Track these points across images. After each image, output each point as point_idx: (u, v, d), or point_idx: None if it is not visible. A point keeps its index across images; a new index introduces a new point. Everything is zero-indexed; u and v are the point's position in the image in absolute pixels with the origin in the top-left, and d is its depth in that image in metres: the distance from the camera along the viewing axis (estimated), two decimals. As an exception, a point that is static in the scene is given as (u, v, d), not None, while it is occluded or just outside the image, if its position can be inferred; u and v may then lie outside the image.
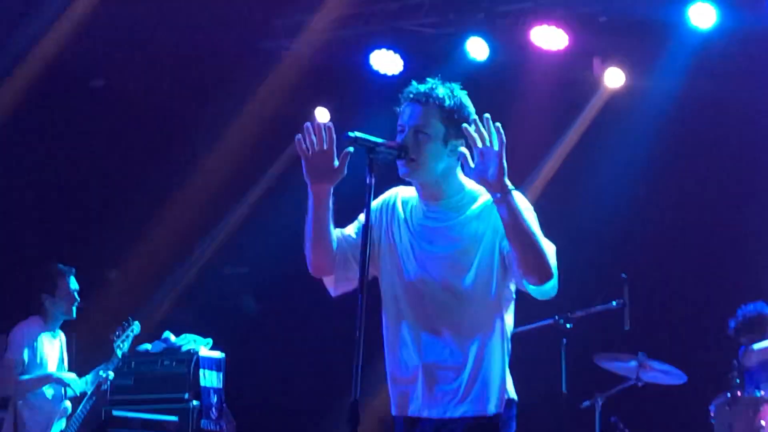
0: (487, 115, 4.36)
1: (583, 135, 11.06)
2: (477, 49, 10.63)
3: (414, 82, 4.67)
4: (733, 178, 10.76)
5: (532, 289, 4.49)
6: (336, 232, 4.69)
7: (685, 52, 10.26)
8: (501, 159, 4.30)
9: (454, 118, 4.58)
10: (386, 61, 11.07)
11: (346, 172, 4.53)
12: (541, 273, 4.39)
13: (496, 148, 4.31)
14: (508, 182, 4.34)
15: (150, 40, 10.73)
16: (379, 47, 11.08)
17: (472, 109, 4.65)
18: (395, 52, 11.05)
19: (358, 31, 11.19)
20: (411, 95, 4.63)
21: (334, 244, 4.67)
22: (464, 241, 4.56)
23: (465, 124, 4.40)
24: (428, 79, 4.67)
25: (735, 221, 10.73)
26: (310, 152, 4.48)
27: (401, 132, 4.59)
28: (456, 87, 4.67)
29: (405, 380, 4.59)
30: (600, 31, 10.54)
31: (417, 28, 11.02)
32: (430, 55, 10.71)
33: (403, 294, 4.61)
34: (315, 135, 4.48)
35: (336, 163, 4.48)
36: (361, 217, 4.66)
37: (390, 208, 4.74)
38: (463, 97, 4.65)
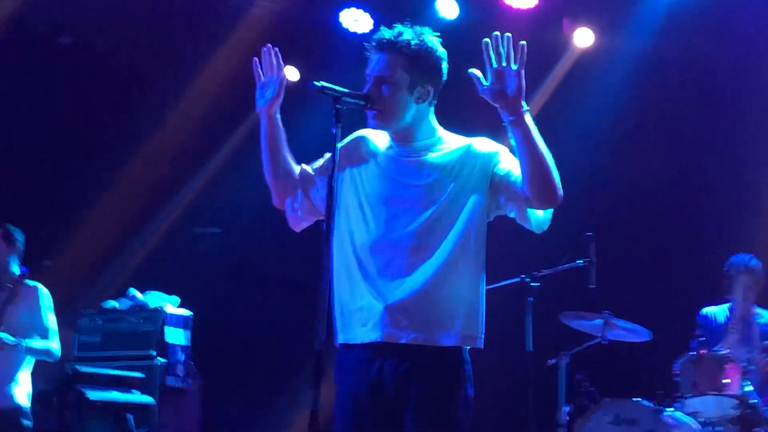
0: (507, 34, 4.35)
1: (553, 94, 11.05)
2: (447, 7, 10.60)
3: (382, 28, 4.65)
4: (702, 137, 10.79)
5: (534, 218, 4.50)
6: (296, 167, 4.74)
7: (654, 10, 10.27)
8: (521, 78, 4.31)
9: (420, 64, 4.57)
10: (356, 19, 11.03)
11: (285, 77, 4.69)
12: (552, 195, 4.41)
13: (514, 67, 4.32)
14: (524, 102, 4.34)
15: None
16: (348, 5, 11.03)
17: (443, 52, 4.63)
18: (365, 10, 11.01)
19: (328, -11, 11.14)
20: (376, 43, 4.61)
21: (293, 171, 4.72)
22: (434, 175, 4.55)
23: (486, 39, 4.36)
24: (396, 24, 4.64)
25: (702, 179, 10.78)
26: (265, 70, 4.67)
27: (367, 81, 4.59)
28: (426, 31, 4.64)
29: (362, 309, 4.51)
30: (570, -9, 10.55)
31: (386, -15, 10.97)
32: (399, 13, 10.55)
33: (365, 226, 4.57)
34: (265, 61, 4.66)
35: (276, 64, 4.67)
36: (327, 154, 4.67)
37: (357, 145, 4.73)
38: (432, 41, 4.62)
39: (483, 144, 4.63)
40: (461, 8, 10.60)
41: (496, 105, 4.38)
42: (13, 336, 8.09)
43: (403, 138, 4.64)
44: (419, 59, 4.57)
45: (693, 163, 10.82)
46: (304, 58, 11.62)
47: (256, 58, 4.66)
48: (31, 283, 8.51)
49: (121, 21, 11.02)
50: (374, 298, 4.47)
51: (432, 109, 4.67)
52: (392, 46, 4.57)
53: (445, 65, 4.65)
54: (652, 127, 10.94)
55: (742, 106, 10.61)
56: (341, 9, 11.06)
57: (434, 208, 4.50)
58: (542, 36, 10.81)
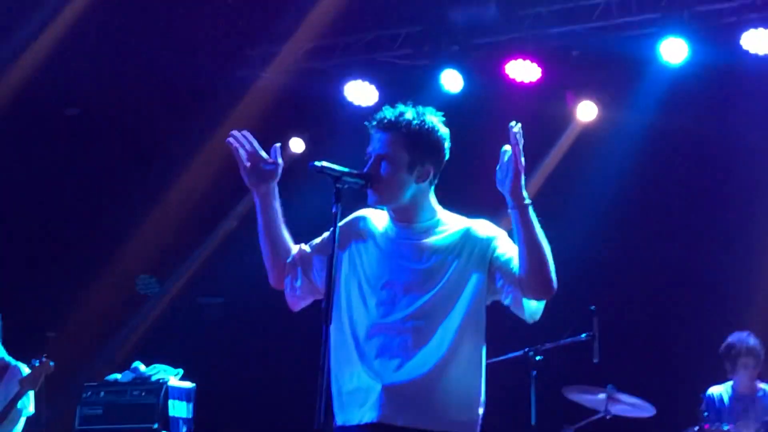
0: (511, 123, 4.35)
1: (556, 168, 11.09)
2: (451, 81, 10.65)
3: (385, 108, 4.66)
4: (702, 211, 10.81)
5: (528, 307, 4.48)
6: (293, 246, 4.74)
7: (656, 86, 10.33)
8: (515, 170, 4.31)
9: (420, 143, 4.56)
10: (361, 92, 11.09)
11: (282, 162, 4.64)
12: (546, 286, 4.38)
13: (505, 159, 4.34)
14: (525, 194, 4.34)
15: (125, 69, 10.73)
16: (354, 78, 11.10)
17: (444, 132, 4.63)
18: (370, 83, 11.08)
19: (333, 62, 11.23)
20: (377, 122, 4.62)
21: (290, 251, 4.72)
22: (433, 259, 4.55)
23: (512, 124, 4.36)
24: (399, 104, 4.65)
25: (704, 253, 10.77)
26: (244, 158, 4.64)
27: (368, 160, 4.60)
28: (428, 111, 4.63)
29: (359, 390, 4.48)
30: (573, 65, 10.62)
31: (391, 59, 11.07)
32: (404, 87, 10.73)
33: (364, 308, 4.55)
34: (239, 143, 4.64)
35: (266, 158, 4.62)
36: (325, 234, 4.69)
37: (357, 226, 4.72)
38: (434, 121, 4.61)
39: (483, 227, 4.62)
40: (465, 82, 10.65)
41: (501, 190, 4.40)
42: None
43: (403, 218, 4.64)
44: (420, 139, 4.57)
45: (696, 238, 10.83)
46: (309, 130, 11.71)
47: (236, 144, 4.66)
48: (14, 362, 8.57)
49: (127, 92, 11.10)
50: (371, 379, 4.45)
51: (432, 188, 4.67)
52: (393, 126, 4.57)
53: (447, 145, 4.65)
54: (656, 201, 10.96)
55: (745, 182, 10.64)
56: (346, 82, 11.13)
57: (433, 292, 4.49)
58: (545, 109, 10.88)
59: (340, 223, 4.45)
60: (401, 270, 4.54)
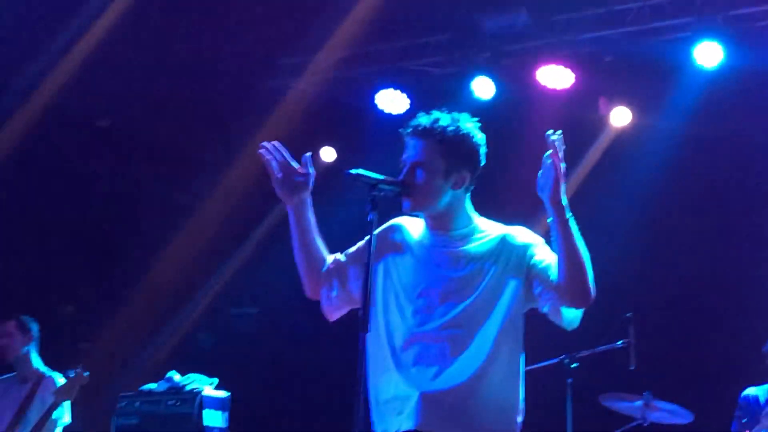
0: (548, 132, 4.31)
1: (590, 174, 11.04)
2: (483, 88, 10.62)
3: (419, 114, 4.63)
4: (739, 216, 10.73)
5: (566, 314, 4.45)
6: (328, 256, 4.72)
7: (691, 91, 10.26)
8: (555, 178, 4.26)
9: (456, 150, 4.55)
10: (392, 101, 11.08)
11: (313, 172, 4.62)
12: (585, 295, 4.34)
13: (547, 163, 4.30)
14: (565, 202, 4.30)
15: (156, 80, 10.76)
16: (385, 87, 11.09)
17: (480, 138, 4.61)
18: (401, 91, 11.06)
19: (364, 71, 11.22)
20: (412, 129, 4.60)
21: (324, 261, 4.69)
22: (470, 267, 4.53)
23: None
24: (434, 111, 4.62)
25: (741, 259, 10.70)
26: (276, 169, 4.61)
27: (403, 167, 4.58)
28: (464, 117, 4.62)
29: (396, 398, 4.46)
30: (606, 71, 10.56)
31: (423, 67, 11.04)
32: (435, 95, 10.71)
33: (401, 316, 4.54)
34: (271, 154, 4.62)
35: (298, 168, 4.60)
36: (360, 243, 4.68)
37: (393, 234, 4.71)
38: (469, 127, 4.59)
39: (520, 234, 4.60)
40: (497, 89, 10.61)
41: (541, 197, 4.36)
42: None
43: (439, 226, 4.62)
44: (455, 145, 4.55)
45: (732, 243, 10.75)
46: (341, 139, 11.71)
47: (267, 155, 4.64)
48: (49, 373, 8.61)
49: (158, 103, 11.12)
50: (409, 387, 4.43)
51: (468, 195, 4.65)
52: (428, 133, 4.56)
53: (482, 151, 4.63)
54: (691, 206, 10.88)
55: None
56: (377, 91, 11.11)
57: (471, 300, 4.47)
58: (579, 115, 10.84)
59: (376, 231, 4.43)
60: (438, 278, 4.52)
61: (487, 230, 4.62)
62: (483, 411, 4.42)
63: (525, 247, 4.54)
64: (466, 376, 4.40)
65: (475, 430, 4.41)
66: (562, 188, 4.29)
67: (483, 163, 4.65)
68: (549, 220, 4.35)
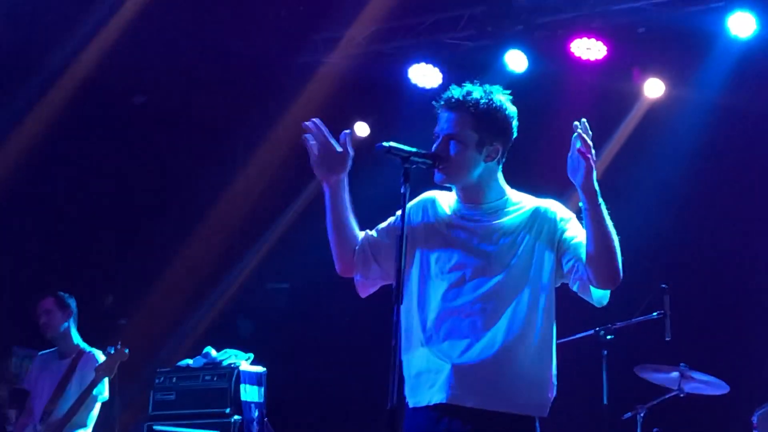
0: (575, 123, 4.32)
1: (624, 145, 11.01)
2: (516, 61, 10.61)
3: (452, 87, 4.63)
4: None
5: (595, 293, 4.45)
6: (360, 233, 4.72)
7: (725, 61, 10.21)
8: (587, 166, 4.27)
9: (488, 122, 4.55)
10: (425, 75, 11.07)
11: (352, 152, 4.60)
12: (614, 277, 4.35)
13: (576, 147, 4.30)
14: (597, 189, 4.31)
15: (190, 56, 10.79)
16: (418, 61, 11.08)
17: (512, 110, 4.61)
18: (434, 65, 11.05)
19: (396, 45, 11.22)
20: (444, 102, 4.60)
21: (357, 240, 4.70)
22: (503, 240, 4.53)
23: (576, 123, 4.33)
24: (466, 83, 4.63)
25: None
26: (315, 148, 4.56)
27: (436, 139, 4.58)
28: (496, 90, 4.62)
29: (429, 371, 4.48)
30: (639, 42, 10.54)
31: (455, 41, 11.04)
32: (468, 68, 10.68)
33: (432, 291, 4.55)
34: (312, 133, 4.57)
35: (338, 147, 4.56)
36: (391, 219, 4.70)
37: (425, 209, 4.71)
38: (501, 99, 4.59)
39: (553, 207, 4.61)
40: (530, 61, 10.60)
41: (572, 180, 4.37)
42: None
43: (471, 198, 4.63)
44: (488, 118, 4.55)
45: (765, 214, 10.70)
46: (374, 114, 11.71)
47: (307, 133, 4.61)
48: (88, 349, 8.69)
49: (193, 79, 11.16)
50: (441, 360, 4.45)
51: (500, 168, 4.65)
52: (461, 105, 4.55)
53: (515, 123, 4.63)
54: (725, 179, 10.83)
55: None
56: (410, 65, 11.11)
57: (503, 274, 4.48)
58: (612, 86, 10.82)
59: (408, 205, 4.44)
60: (470, 252, 4.54)
61: (519, 203, 4.63)
62: (515, 384, 4.43)
63: (557, 222, 4.55)
64: (496, 347, 4.41)
65: (506, 403, 4.42)
66: (593, 175, 4.30)
67: (515, 135, 4.65)
68: (580, 204, 4.36)
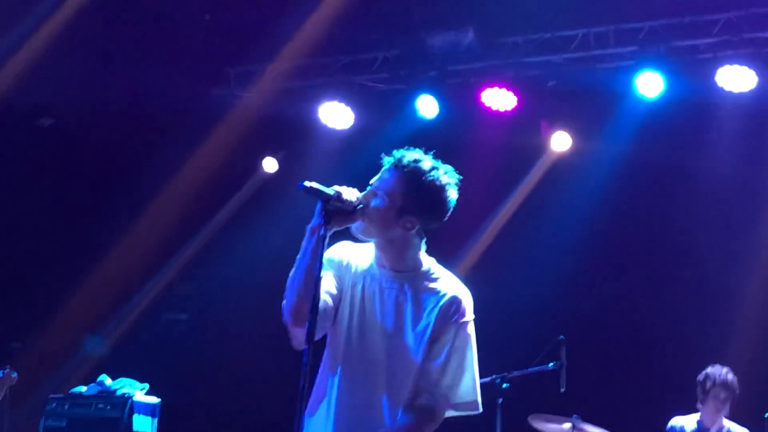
0: None
1: (529, 196, 11.13)
2: (427, 106, 10.67)
3: (408, 148, 4.53)
4: (674, 243, 10.85)
5: None
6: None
7: (631, 119, 10.39)
8: None
9: (418, 196, 4.44)
10: (336, 114, 11.07)
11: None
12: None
13: None
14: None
15: (102, 83, 10.71)
16: (330, 99, 11.08)
17: (451, 196, 4.50)
18: (346, 105, 11.05)
19: (309, 83, 11.23)
20: (393, 158, 4.51)
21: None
22: (404, 319, 4.49)
23: None
24: (429, 153, 4.53)
25: (674, 286, 10.81)
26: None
27: (366, 189, 4.50)
28: (448, 170, 4.51)
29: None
30: (549, 95, 10.66)
31: (368, 82, 11.08)
32: (380, 110, 10.76)
33: (343, 357, 4.52)
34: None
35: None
36: (328, 274, 4.58)
37: (346, 256, 4.63)
38: (445, 181, 4.48)
39: (458, 311, 4.54)
40: (441, 108, 10.67)
41: None
42: None
43: (385, 259, 4.56)
44: (419, 191, 4.45)
45: (666, 269, 10.87)
46: (283, 150, 11.68)
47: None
48: None
49: (103, 105, 11.07)
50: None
51: (422, 241, 4.57)
52: (402, 168, 4.46)
53: (447, 207, 4.51)
54: (628, 231, 11.00)
55: (717, 214, 10.69)
56: (321, 103, 11.10)
57: (395, 360, 4.47)
58: (520, 138, 10.93)
59: (346, 251, 4.45)
60: (374, 316, 4.52)
61: (432, 283, 4.57)
62: None
63: (447, 331, 4.51)
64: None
65: None
66: None
67: (444, 219, 4.56)
68: None
